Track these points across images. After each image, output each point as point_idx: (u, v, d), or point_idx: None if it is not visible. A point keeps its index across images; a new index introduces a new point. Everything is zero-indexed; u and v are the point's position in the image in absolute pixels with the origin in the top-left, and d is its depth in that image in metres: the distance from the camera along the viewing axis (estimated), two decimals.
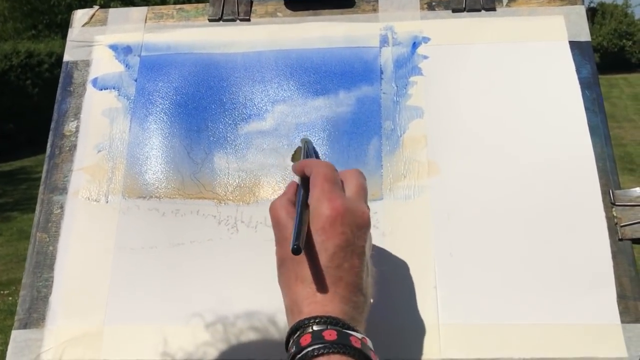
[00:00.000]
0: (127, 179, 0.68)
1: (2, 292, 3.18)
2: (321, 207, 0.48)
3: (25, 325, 0.63)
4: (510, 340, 0.58)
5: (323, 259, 0.47)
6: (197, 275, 0.63)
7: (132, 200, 0.67)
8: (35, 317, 0.63)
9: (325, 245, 0.47)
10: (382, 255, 0.62)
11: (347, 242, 0.47)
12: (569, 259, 0.60)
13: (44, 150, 0.72)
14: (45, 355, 0.61)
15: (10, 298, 3.09)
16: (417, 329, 0.59)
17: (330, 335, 0.43)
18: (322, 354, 0.42)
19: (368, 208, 0.51)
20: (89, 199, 0.67)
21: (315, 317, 0.44)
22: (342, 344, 0.42)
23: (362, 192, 0.52)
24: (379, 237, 0.62)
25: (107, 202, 0.67)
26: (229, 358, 0.59)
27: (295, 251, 0.44)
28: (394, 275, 0.61)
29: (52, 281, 0.64)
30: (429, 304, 0.60)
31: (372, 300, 0.50)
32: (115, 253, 0.64)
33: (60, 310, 0.63)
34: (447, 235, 0.62)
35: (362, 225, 0.49)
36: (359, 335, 0.44)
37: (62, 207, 0.67)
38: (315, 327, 0.44)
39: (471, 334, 0.59)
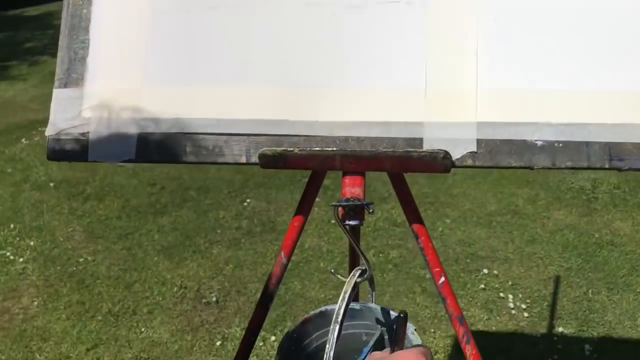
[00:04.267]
0: None
1: (41, 128, 3.28)
2: None
3: (65, 85, 0.64)
4: (550, 106, 0.57)
5: None
6: (231, 37, 0.62)
7: None
8: (75, 77, 0.64)
9: None
10: None
11: None
12: (619, 24, 0.57)
13: None
14: (86, 112, 0.63)
15: None
16: (453, 93, 0.58)
17: None
18: None
19: None
20: None
21: None
22: None
23: None
24: (404, 7, 0.59)
25: None
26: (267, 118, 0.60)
27: None
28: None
29: (88, 43, 0.64)
30: (469, 70, 0.58)
31: None
32: (150, 15, 0.63)
33: (98, 71, 0.63)
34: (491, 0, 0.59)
35: None
36: None
37: None
38: None
39: (509, 99, 0.57)
